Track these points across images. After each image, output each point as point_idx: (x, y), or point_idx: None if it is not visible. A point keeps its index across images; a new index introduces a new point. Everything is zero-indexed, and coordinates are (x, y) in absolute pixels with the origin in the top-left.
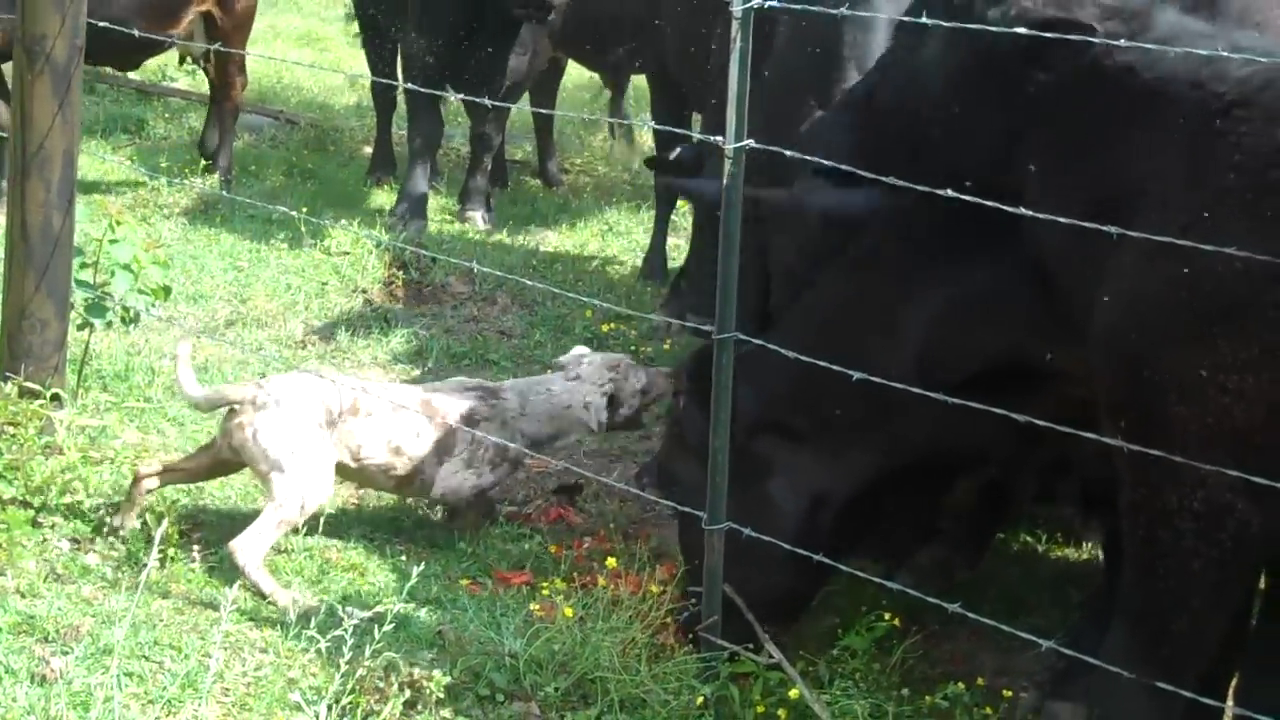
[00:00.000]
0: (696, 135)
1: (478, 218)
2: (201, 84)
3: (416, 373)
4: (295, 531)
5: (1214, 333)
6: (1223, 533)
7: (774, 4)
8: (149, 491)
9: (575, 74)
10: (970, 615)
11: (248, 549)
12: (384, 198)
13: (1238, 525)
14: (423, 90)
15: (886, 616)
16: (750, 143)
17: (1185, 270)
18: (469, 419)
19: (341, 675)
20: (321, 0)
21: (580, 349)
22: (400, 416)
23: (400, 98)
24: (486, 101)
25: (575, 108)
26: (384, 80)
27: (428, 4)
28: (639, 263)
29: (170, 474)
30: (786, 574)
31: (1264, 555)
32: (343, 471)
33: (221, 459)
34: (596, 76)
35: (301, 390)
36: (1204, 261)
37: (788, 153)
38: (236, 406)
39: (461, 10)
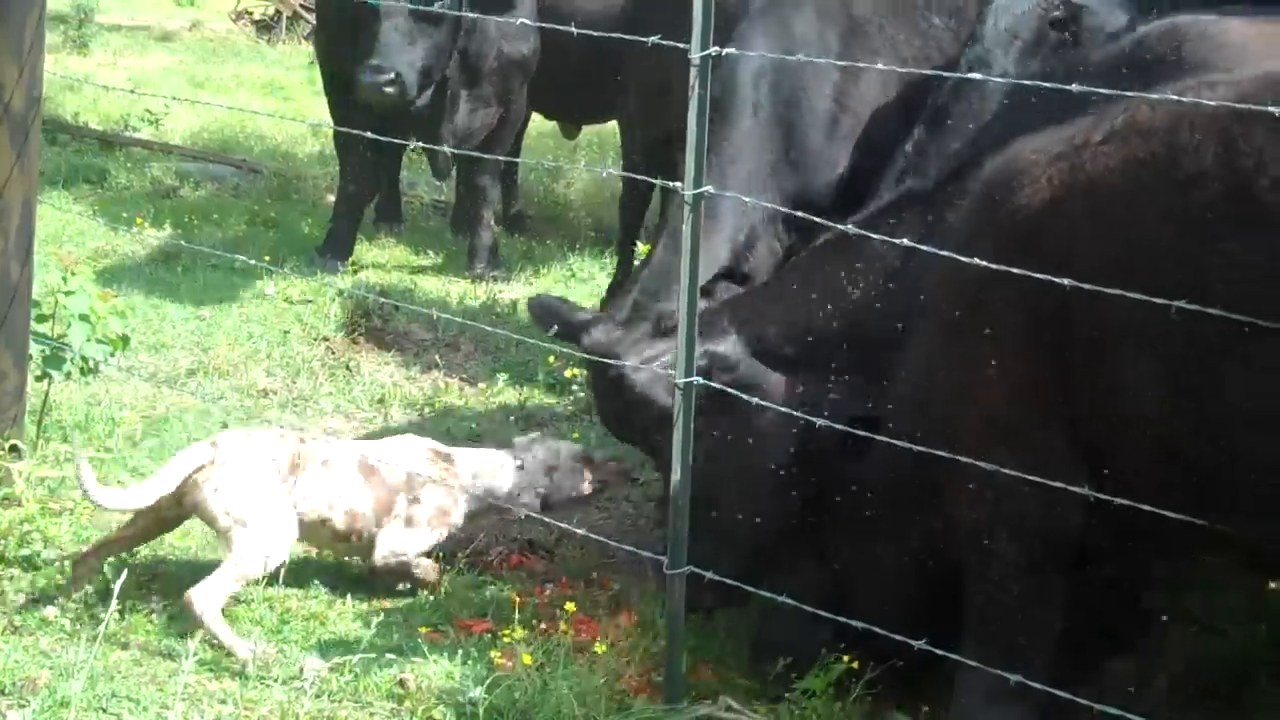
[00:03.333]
0: (661, 181)
1: (490, 276)
2: (164, 134)
3: (379, 420)
4: (254, 582)
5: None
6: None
7: (731, 51)
8: (95, 571)
9: (537, 121)
10: (936, 650)
11: (205, 600)
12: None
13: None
14: (349, 134)
15: (845, 659)
16: (709, 189)
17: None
18: (416, 478)
19: None
20: (285, 49)
21: (533, 435)
22: (343, 471)
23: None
24: (448, 150)
25: (538, 155)
26: (347, 129)
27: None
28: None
29: (110, 547)
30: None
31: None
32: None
33: (164, 518)
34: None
35: (256, 445)
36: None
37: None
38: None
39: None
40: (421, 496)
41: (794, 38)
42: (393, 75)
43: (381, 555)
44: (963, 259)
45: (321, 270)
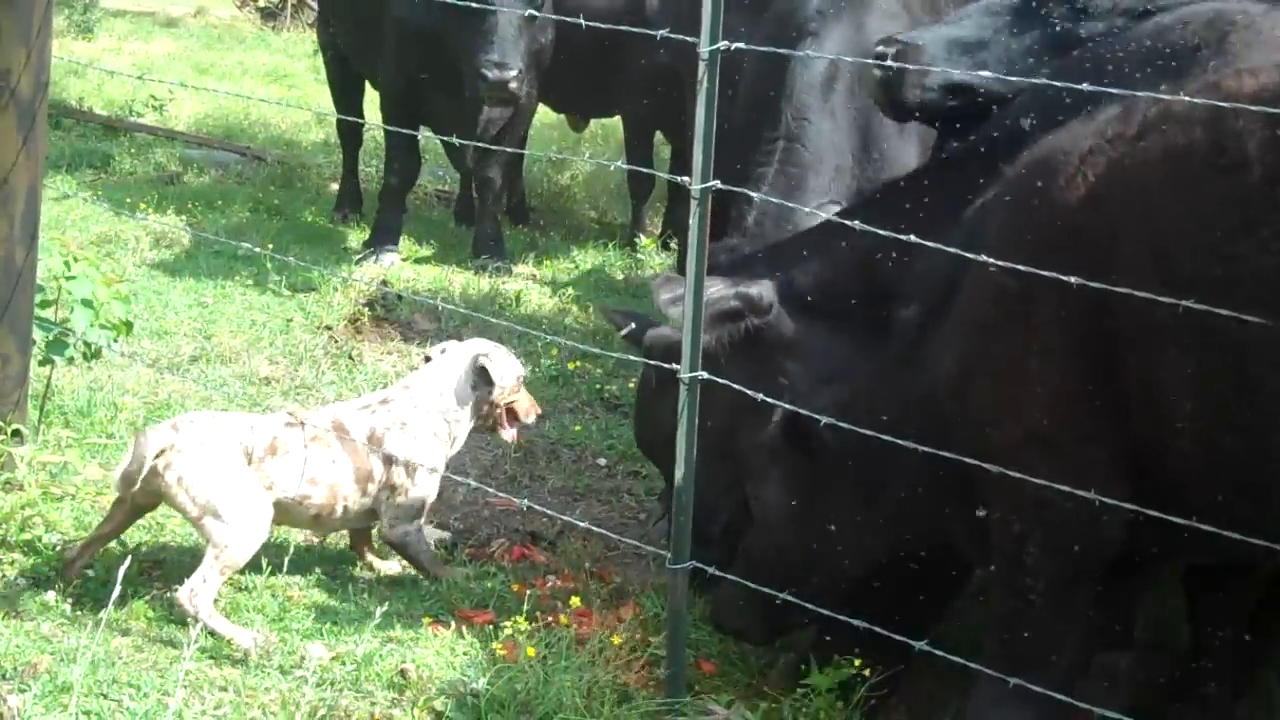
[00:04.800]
0: (669, 176)
1: (495, 267)
2: (168, 119)
3: None
4: (258, 571)
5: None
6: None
7: (740, 46)
8: (87, 567)
9: (543, 112)
10: (936, 652)
11: (193, 598)
12: (350, 234)
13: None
14: (396, 130)
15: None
16: (716, 184)
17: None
18: (373, 437)
19: (303, 715)
20: (290, 36)
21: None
22: (315, 447)
23: (367, 134)
24: (456, 141)
25: (543, 146)
26: (349, 118)
27: (400, 46)
28: (605, 300)
29: (94, 545)
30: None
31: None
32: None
33: (137, 504)
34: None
35: (218, 428)
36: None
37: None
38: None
39: (433, 55)
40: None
41: (868, 36)
42: (516, 71)
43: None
44: (999, 263)
45: (376, 262)
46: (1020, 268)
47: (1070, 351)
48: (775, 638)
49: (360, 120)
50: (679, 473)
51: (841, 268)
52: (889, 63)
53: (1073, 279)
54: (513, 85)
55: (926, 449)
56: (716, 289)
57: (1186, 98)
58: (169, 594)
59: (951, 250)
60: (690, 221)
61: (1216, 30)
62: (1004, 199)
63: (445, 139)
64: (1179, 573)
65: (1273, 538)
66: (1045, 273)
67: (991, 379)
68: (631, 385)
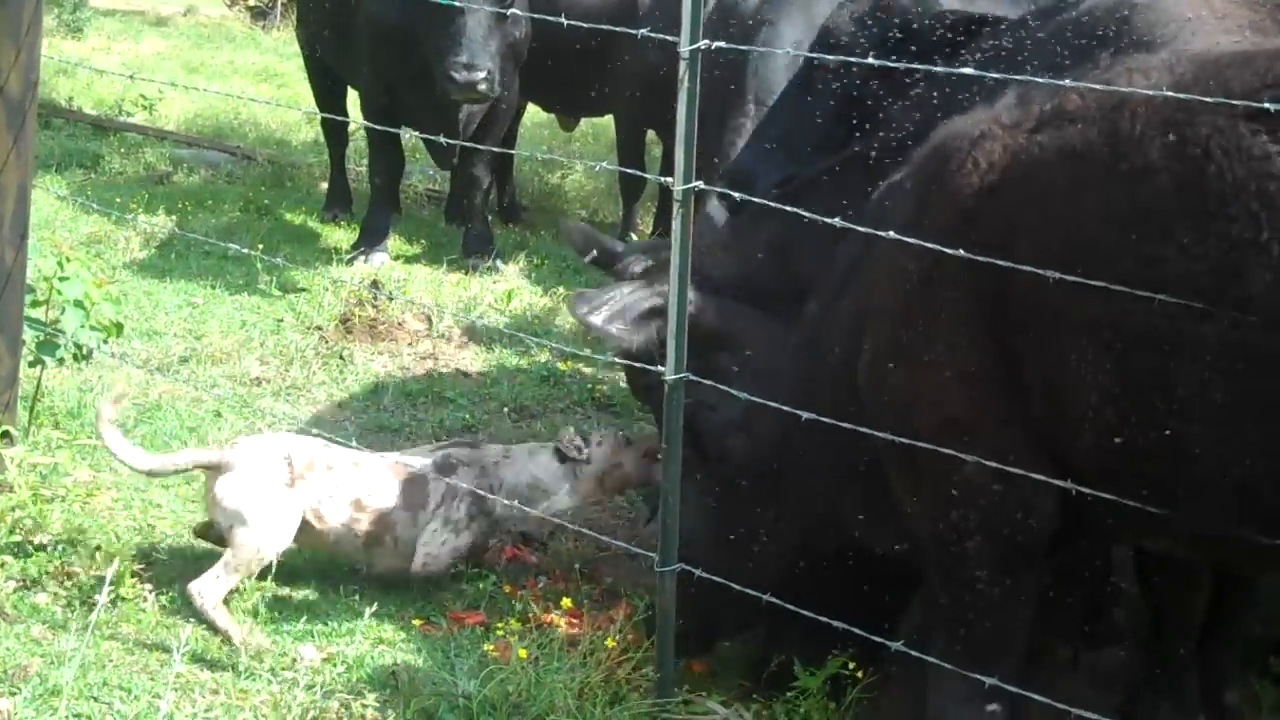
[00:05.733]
0: (653, 177)
1: (485, 266)
2: (158, 119)
3: (372, 411)
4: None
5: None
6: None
7: (721, 45)
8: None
9: (534, 112)
10: (914, 654)
11: (208, 591)
12: (340, 234)
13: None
14: (377, 128)
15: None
16: (699, 184)
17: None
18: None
19: (294, 717)
20: (280, 36)
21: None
22: (364, 472)
23: (353, 133)
24: (443, 140)
25: (534, 145)
26: (333, 116)
27: (375, 44)
28: None
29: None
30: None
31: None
32: (308, 534)
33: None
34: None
35: (264, 450)
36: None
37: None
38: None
39: (407, 54)
40: (453, 492)
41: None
42: (485, 73)
43: (422, 562)
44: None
45: (366, 262)
46: (913, 242)
47: (973, 336)
48: (733, 634)
49: (344, 119)
50: (665, 475)
51: (757, 259)
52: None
53: (964, 255)
54: (482, 86)
55: (857, 429)
56: (631, 291)
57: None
58: (160, 596)
59: (861, 229)
60: (674, 222)
61: (1119, 13)
62: (904, 184)
63: (427, 137)
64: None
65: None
66: (950, 250)
67: (902, 366)
68: (622, 384)
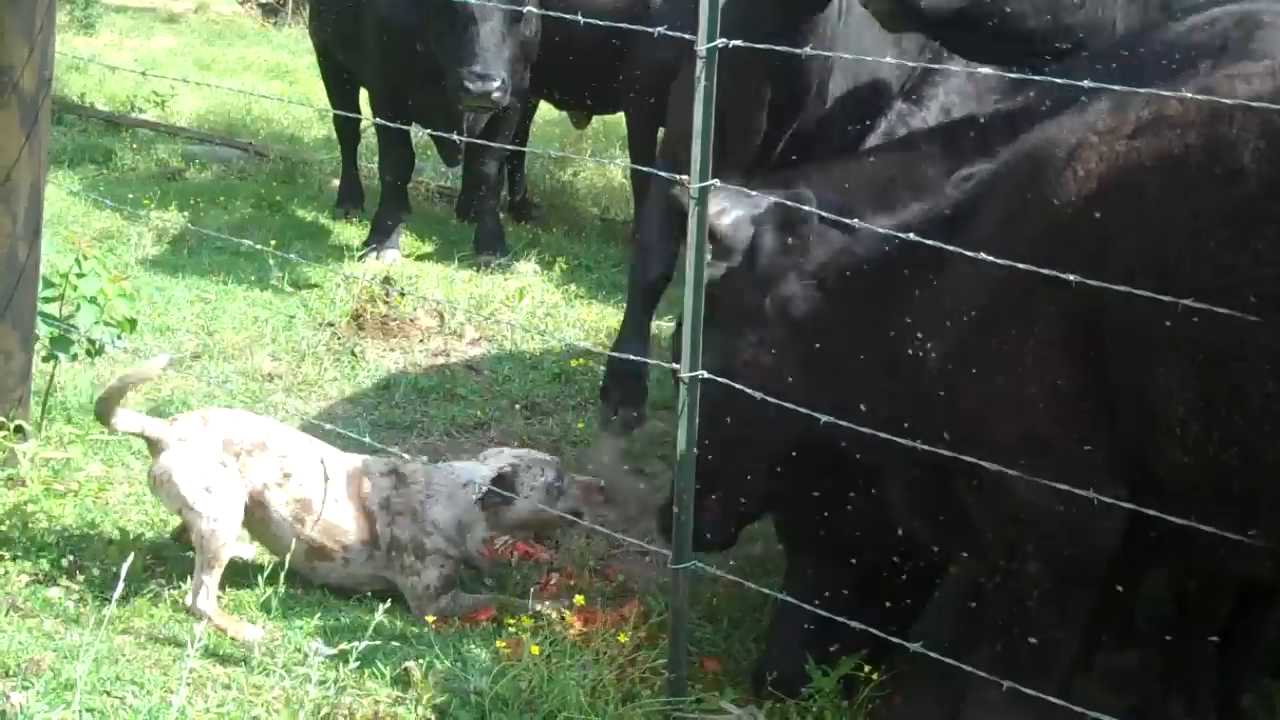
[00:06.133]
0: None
1: (496, 263)
2: (170, 115)
3: (383, 407)
4: (261, 569)
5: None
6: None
7: (738, 44)
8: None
9: (545, 109)
10: (931, 655)
11: (203, 604)
12: (352, 231)
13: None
14: (390, 124)
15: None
16: (715, 182)
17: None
18: (384, 505)
19: (306, 713)
20: (292, 33)
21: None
22: (316, 475)
23: (365, 129)
24: (455, 138)
25: (545, 143)
26: (345, 113)
27: (384, 44)
28: (608, 298)
29: None
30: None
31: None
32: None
33: None
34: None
35: (207, 426)
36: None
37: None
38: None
39: (416, 53)
40: (395, 531)
41: None
42: (499, 81)
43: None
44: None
45: (378, 258)
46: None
47: (1065, 349)
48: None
49: (356, 115)
50: (678, 471)
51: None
52: None
53: (1070, 277)
54: (496, 95)
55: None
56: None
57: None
58: (173, 590)
59: (949, 248)
60: (689, 221)
61: (1245, 29)
62: (992, 188)
63: (435, 134)
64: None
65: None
66: (1044, 270)
67: (985, 375)
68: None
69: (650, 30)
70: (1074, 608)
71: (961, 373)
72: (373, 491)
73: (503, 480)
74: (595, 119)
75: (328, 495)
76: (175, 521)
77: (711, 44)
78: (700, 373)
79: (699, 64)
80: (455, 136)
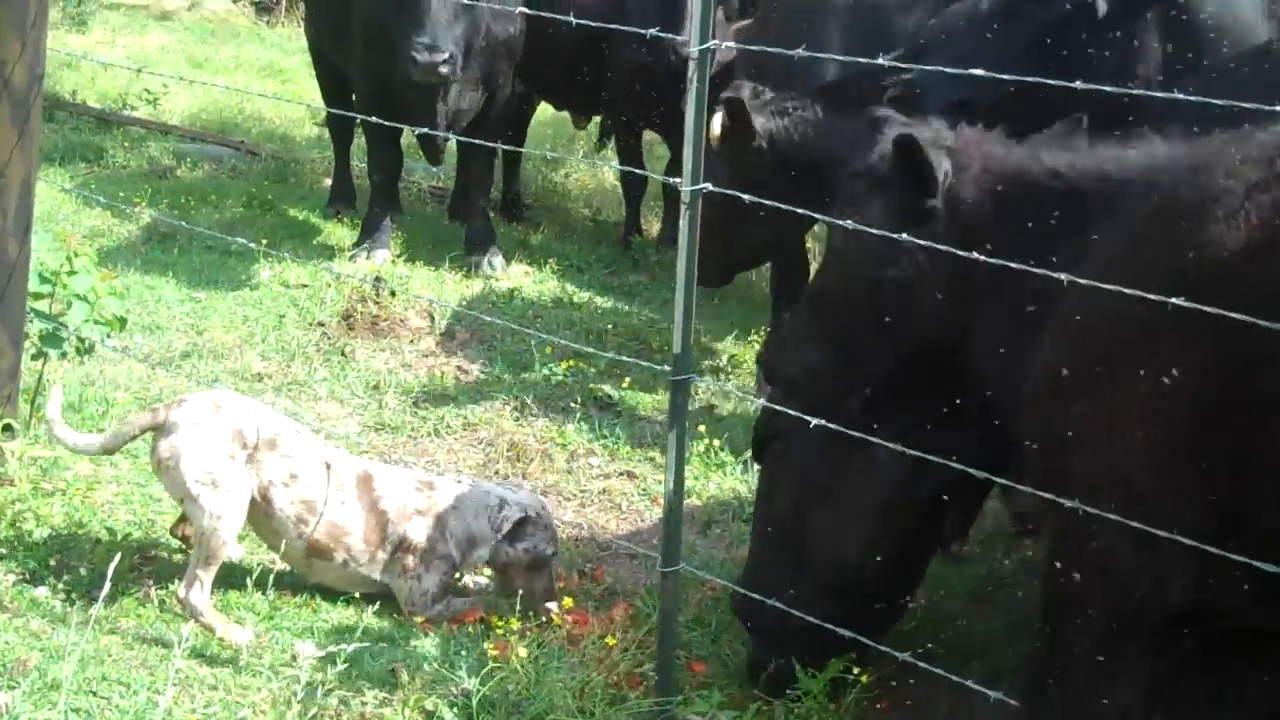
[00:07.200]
0: (660, 177)
1: (486, 264)
2: (162, 113)
3: (373, 407)
4: (249, 570)
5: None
6: (1116, 590)
7: (730, 45)
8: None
9: (541, 110)
10: (921, 664)
11: (195, 600)
12: (343, 230)
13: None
14: (378, 123)
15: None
16: (708, 186)
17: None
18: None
19: (293, 714)
20: (284, 31)
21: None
22: (323, 476)
23: (358, 128)
24: (441, 135)
25: (537, 144)
26: (338, 111)
27: (368, 43)
28: (599, 299)
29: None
30: None
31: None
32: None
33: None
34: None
35: (220, 413)
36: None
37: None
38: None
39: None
40: (409, 533)
41: None
42: (447, 55)
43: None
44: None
45: (369, 258)
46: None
47: (1193, 399)
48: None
49: (348, 113)
50: (668, 475)
51: None
52: None
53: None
54: (443, 69)
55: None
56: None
57: None
58: (160, 591)
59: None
60: (681, 223)
61: None
62: (1145, 212)
63: (422, 130)
64: None
65: None
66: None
67: (1093, 410)
68: (625, 384)
69: (643, 31)
70: (1124, 666)
71: (1074, 402)
72: (391, 495)
73: (522, 523)
74: (595, 119)
75: (334, 497)
76: (164, 520)
77: (704, 46)
78: (689, 376)
79: (691, 66)
80: (441, 135)
